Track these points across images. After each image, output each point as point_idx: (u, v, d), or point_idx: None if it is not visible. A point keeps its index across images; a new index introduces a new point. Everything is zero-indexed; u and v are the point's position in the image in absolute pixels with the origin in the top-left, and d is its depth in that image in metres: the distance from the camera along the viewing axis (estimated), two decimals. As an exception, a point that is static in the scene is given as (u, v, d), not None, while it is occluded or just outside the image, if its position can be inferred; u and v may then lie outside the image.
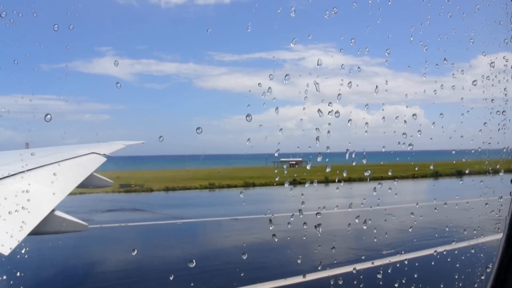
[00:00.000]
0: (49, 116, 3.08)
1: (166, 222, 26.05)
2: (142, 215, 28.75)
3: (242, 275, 12.26)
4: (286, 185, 4.65)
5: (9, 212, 2.32)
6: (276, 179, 5.41)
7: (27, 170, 3.14)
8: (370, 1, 4.19)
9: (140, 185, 44.42)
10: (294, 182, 5.39)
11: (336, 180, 5.16)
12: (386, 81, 4.70)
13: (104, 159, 6.34)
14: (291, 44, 3.73)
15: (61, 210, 3.20)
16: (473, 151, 5.10)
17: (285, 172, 5.10)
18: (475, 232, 6.57)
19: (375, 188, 5.80)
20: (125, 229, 24.19)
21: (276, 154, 4.09)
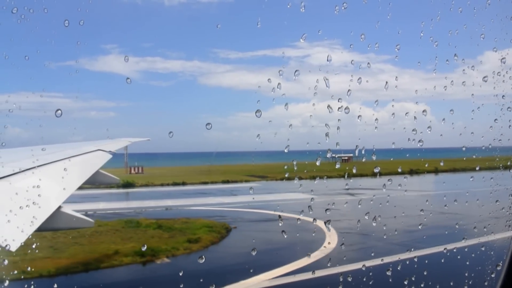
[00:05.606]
0: (59, 111, 3.09)
1: (412, 194, 31.58)
2: (371, 192, 28.92)
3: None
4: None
5: (20, 207, 2.33)
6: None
7: (38, 166, 3.15)
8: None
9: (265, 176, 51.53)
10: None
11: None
12: (396, 77, 4.67)
13: (110, 156, 6.31)
14: (301, 40, 3.71)
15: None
16: (483, 148, 5.04)
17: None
18: (485, 229, 6.52)
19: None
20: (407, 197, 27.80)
21: (285, 151, 4.10)
